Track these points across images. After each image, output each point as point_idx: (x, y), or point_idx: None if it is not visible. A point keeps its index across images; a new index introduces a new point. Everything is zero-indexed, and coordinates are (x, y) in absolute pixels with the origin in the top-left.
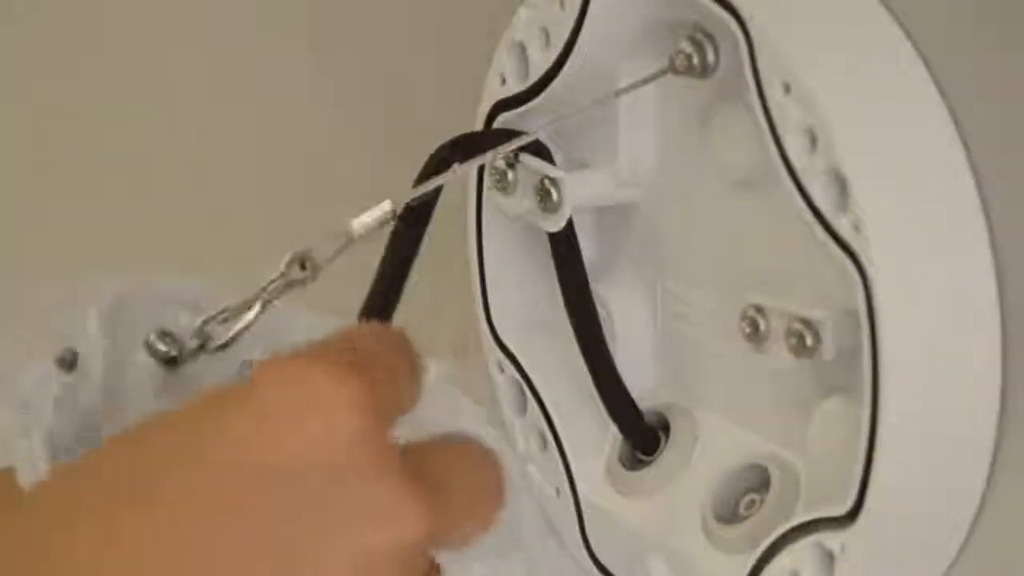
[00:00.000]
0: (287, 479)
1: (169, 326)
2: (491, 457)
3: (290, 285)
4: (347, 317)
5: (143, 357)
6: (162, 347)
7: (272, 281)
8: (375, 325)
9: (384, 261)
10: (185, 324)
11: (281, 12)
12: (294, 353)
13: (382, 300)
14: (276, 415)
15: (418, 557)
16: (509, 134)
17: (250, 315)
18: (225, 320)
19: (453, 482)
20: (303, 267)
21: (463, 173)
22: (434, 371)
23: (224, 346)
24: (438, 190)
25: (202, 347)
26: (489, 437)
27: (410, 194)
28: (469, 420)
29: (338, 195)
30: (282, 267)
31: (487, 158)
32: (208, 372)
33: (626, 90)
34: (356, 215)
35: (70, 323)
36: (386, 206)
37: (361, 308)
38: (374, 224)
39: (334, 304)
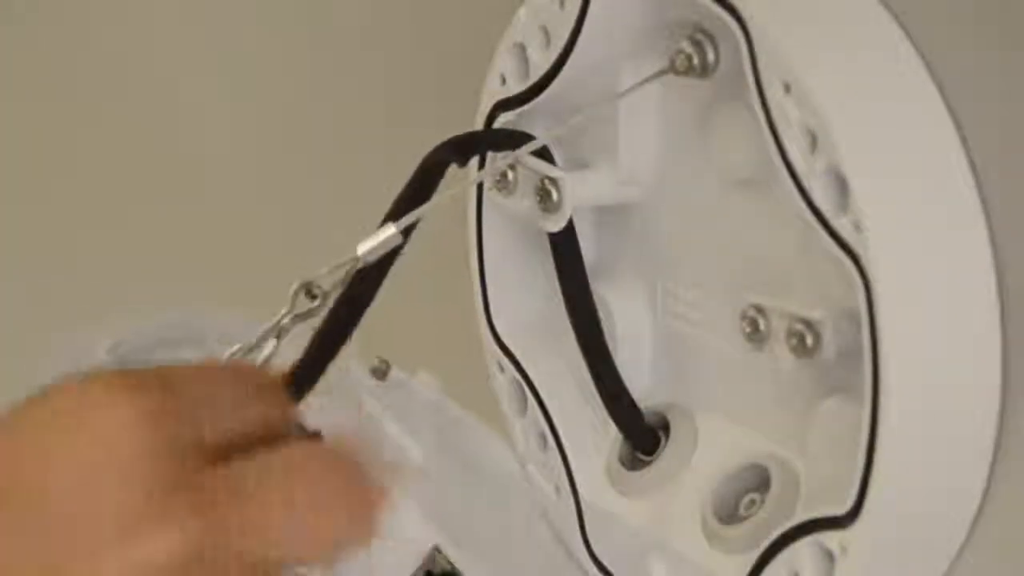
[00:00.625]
0: (39, 494)
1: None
2: (346, 471)
3: (301, 316)
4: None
5: None
6: None
7: (284, 314)
8: (229, 362)
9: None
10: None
11: (281, 12)
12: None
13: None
14: (38, 427)
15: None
16: (509, 134)
17: (266, 351)
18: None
19: (257, 494)
20: (312, 296)
21: (473, 182)
22: (426, 382)
23: None
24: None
25: None
26: (513, 477)
27: (419, 207)
28: (496, 456)
29: (338, 195)
30: (290, 298)
31: (500, 165)
32: None
33: (626, 92)
34: (357, 225)
35: (80, 354)
36: (390, 229)
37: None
38: (380, 247)
39: None
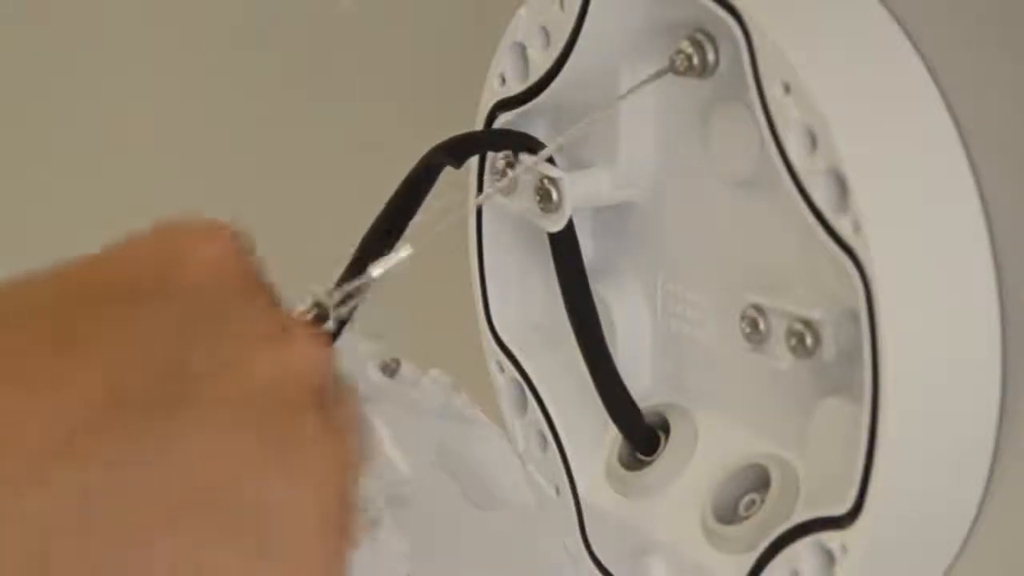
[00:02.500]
0: (177, 291)
1: None
2: None
3: None
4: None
5: None
6: None
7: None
8: None
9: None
10: None
11: (281, 12)
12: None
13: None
14: (147, 241)
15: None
16: (509, 135)
17: None
18: None
19: None
20: (321, 319)
21: (485, 198)
22: (438, 380)
23: None
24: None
25: None
26: (516, 491)
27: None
28: (499, 468)
29: (338, 195)
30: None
31: (508, 180)
32: None
33: (627, 95)
34: (358, 225)
35: None
36: (404, 252)
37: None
38: (393, 267)
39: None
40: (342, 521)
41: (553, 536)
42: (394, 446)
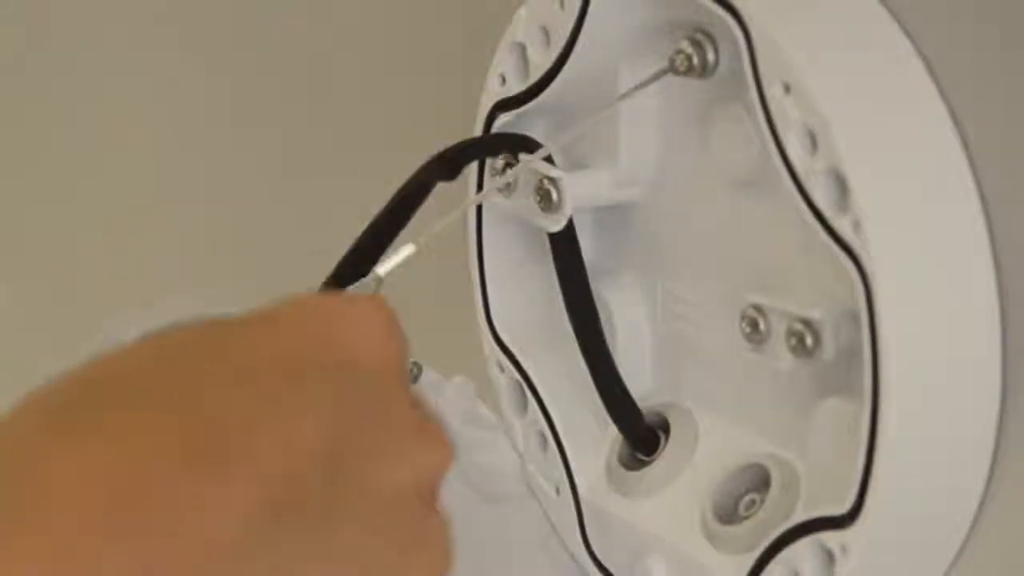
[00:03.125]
0: (333, 377)
1: None
2: None
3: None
4: None
5: None
6: None
7: None
8: None
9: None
10: None
11: (281, 11)
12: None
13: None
14: (312, 322)
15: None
16: (511, 139)
17: None
18: None
19: None
20: None
21: (483, 197)
22: (461, 389)
23: None
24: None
25: None
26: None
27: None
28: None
29: (338, 195)
30: None
31: (507, 178)
32: None
33: (626, 95)
34: (358, 225)
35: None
36: (408, 249)
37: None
38: (399, 266)
39: None
40: None
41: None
42: None
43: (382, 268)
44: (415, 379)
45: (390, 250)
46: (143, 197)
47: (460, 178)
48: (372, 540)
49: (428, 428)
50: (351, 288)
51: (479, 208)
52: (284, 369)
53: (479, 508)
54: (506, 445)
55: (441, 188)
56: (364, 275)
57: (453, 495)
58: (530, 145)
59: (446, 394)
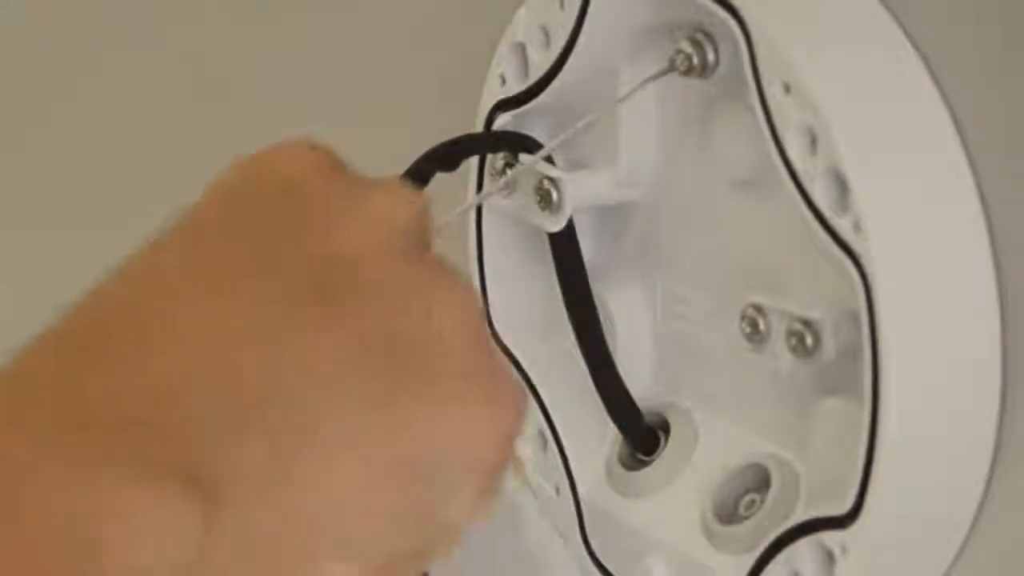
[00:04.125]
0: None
1: None
2: None
3: None
4: None
5: None
6: None
7: None
8: None
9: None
10: None
11: (281, 11)
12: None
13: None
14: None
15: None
16: (511, 137)
17: None
18: None
19: None
20: None
21: (482, 199)
22: None
23: None
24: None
25: None
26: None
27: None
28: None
29: None
30: None
31: (510, 176)
32: None
33: (627, 96)
34: None
35: None
36: None
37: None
38: None
39: None
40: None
41: (539, 520)
42: None
43: None
44: None
45: None
46: (144, 197)
47: (460, 183)
48: (364, 308)
49: (362, 191)
50: None
51: (479, 208)
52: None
53: None
54: None
55: (440, 189)
56: None
57: None
58: (530, 144)
59: None
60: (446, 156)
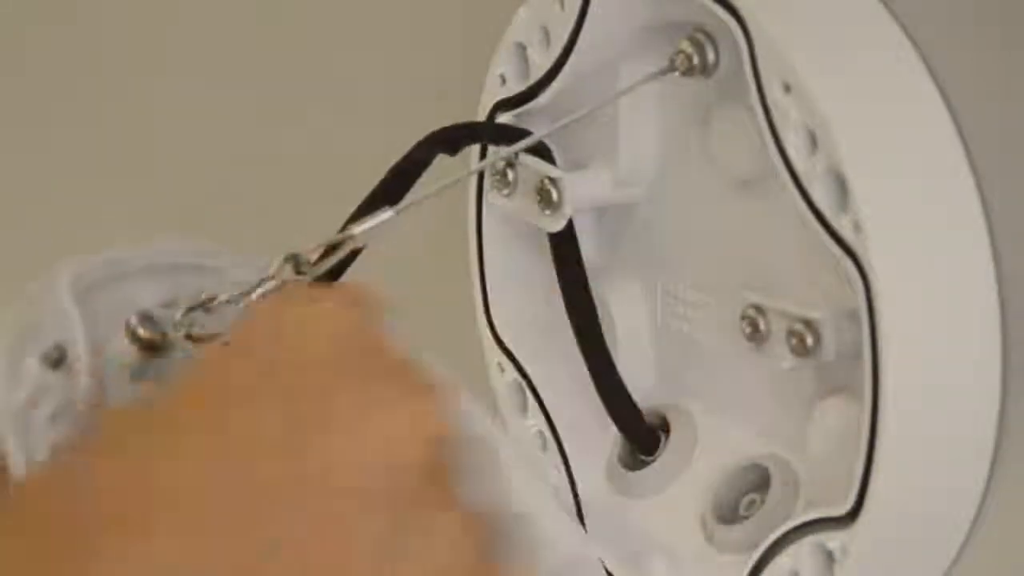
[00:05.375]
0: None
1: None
2: None
3: (283, 286)
4: None
5: (122, 341)
6: (144, 332)
7: (263, 280)
8: None
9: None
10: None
11: (281, 11)
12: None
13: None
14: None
15: (441, 469)
16: (506, 129)
17: (232, 312)
18: (208, 310)
19: None
20: (298, 271)
21: (463, 177)
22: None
23: (208, 339)
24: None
25: (189, 337)
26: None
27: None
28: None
29: (337, 194)
30: (274, 268)
31: (490, 160)
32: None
33: (626, 91)
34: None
35: (41, 298)
36: (387, 212)
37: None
38: (375, 228)
39: None
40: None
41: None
42: None
43: (358, 228)
44: None
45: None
46: (143, 197)
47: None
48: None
49: (391, 399)
50: (328, 241)
51: (479, 209)
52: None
53: None
54: None
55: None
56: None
57: None
58: (538, 145)
59: None
60: (448, 140)
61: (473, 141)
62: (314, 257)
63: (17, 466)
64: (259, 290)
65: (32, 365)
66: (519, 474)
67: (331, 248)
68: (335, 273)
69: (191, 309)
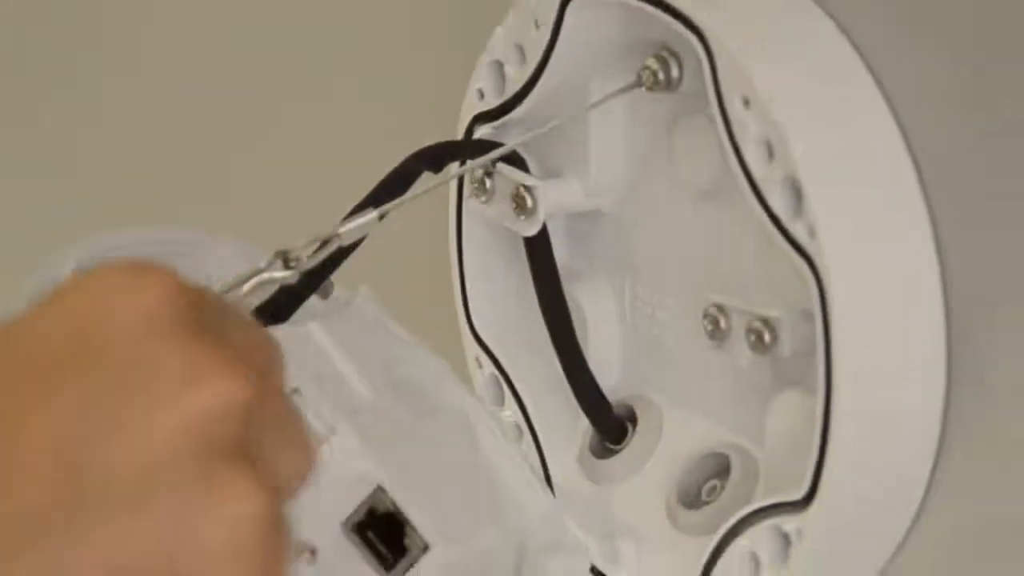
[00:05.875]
0: (84, 362)
1: None
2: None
3: (269, 282)
4: None
5: None
6: None
7: (251, 274)
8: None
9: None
10: None
11: (277, 14)
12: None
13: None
14: (69, 303)
15: (248, 445)
16: (485, 145)
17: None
18: None
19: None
20: (287, 266)
21: (441, 183)
22: (367, 297)
23: None
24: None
25: None
26: (457, 407)
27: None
28: (441, 385)
29: (324, 202)
30: (263, 264)
31: (468, 168)
32: None
33: (596, 104)
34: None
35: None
36: (372, 214)
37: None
38: (361, 228)
39: None
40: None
41: (494, 435)
42: (351, 369)
43: (343, 227)
44: (326, 294)
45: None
46: (143, 197)
47: (442, 189)
48: (139, 524)
49: (200, 366)
50: (315, 238)
51: (459, 214)
52: (31, 375)
53: (414, 425)
54: (427, 357)
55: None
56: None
57: (388, 414)
58: (513, 155)
59: (355, 305)
60: (433, 158)
61: (455, 159)
62: (305, 254)
63: None
64: (251, 282)
65: None
66: (495, 441)
67: (321, 245)
68: (325, 269)
69: None
